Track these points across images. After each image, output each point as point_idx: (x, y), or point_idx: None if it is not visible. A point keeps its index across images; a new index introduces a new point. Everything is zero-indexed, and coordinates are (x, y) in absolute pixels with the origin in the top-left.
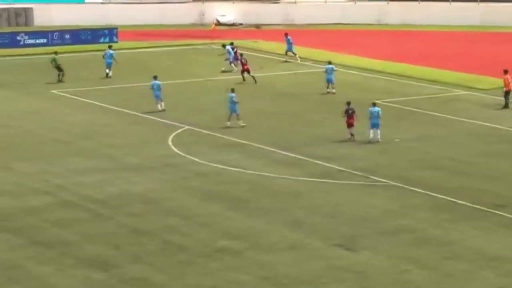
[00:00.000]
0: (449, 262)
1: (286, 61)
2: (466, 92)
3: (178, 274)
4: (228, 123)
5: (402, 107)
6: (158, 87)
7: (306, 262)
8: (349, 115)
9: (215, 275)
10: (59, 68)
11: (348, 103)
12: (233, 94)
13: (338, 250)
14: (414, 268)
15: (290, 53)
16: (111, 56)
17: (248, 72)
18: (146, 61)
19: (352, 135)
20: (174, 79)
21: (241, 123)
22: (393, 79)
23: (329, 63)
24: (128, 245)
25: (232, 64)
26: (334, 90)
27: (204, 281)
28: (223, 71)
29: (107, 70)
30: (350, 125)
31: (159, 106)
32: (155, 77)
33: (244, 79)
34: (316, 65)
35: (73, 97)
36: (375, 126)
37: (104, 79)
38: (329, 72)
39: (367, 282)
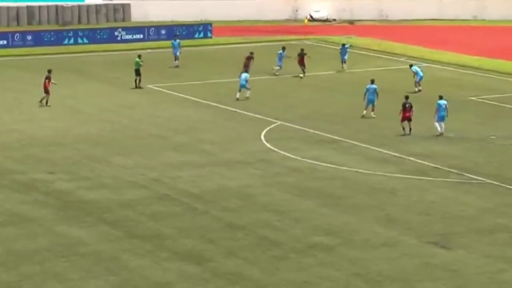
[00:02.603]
0: None
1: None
2: None
3: (271, 269)
4: (364, 112)
5: (500, 104)
6: (245, 79)
7: (399, 260)
8: (406, 109)
9: (308, 270)
10: (137, 73)
11: (407, 97)
12: (374, 86)
13: (433, 248)
14: (510, 268)
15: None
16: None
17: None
18: (240, 57)
19: (410, 129)
20: (267, 74)
21: (373, 114)
22: (490, 75)
23: (410, 66)
24: (222, 239)
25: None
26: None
27: (297, 276)
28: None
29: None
30: (405, 119)
31: (246, 94)
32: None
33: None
34: (409, 61)
35: (169, 92)
36: (441, 119)
37: (199, 74)
38: (417, 70)
39: (462, 280)
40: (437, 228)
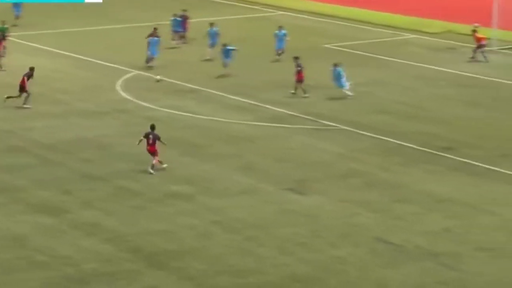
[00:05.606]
0: (398, 205)
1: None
2: (415, 36)
3: (130, 219)
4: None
5: (353, 51)
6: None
7: (258, 207)
8: (300, 71)
9: (167, 219)
10: (3, 37)
11: (296, 58)
12: (229, 47)
13: (290, 194)
14: (363, 211)
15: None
16: None
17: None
18: (96, 6)
19: (298, 90)
20: (125, 23)
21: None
22: (343, 23)
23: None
24: (79, 190)
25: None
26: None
27: (156, 225)
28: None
29: None
30: (300, 81)
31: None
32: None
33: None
34: (265, 9)
35: (22, 41)
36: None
37: (53, 23)
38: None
39: (318, 225)
40: (295, 175)
